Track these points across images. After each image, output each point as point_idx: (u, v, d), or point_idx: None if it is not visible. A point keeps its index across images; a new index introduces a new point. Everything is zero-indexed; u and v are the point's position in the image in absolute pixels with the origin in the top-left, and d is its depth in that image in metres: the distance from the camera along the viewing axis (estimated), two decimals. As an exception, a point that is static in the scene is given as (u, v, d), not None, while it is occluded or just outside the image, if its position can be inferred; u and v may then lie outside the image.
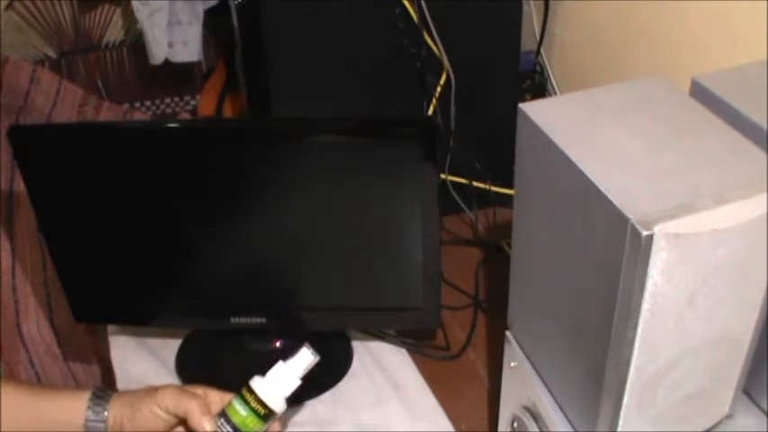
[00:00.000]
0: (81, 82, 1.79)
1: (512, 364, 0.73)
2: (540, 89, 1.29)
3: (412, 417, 0.95)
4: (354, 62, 1.10)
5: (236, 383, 1.00)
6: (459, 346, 1.03)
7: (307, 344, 0.79)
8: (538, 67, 1.28)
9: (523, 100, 1.00)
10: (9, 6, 1.69)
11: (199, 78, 1.82)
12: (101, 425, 0.78)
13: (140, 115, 1.86)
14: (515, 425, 0.74)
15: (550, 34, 1.26)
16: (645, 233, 0.49)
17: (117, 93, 1.84)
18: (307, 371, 0.79)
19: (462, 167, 1.19)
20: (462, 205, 1.21)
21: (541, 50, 1.27)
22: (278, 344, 1.03)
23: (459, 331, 1.05)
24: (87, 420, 0.78)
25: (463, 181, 1.20)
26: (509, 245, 0.91)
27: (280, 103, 1.10)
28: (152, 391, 0.79)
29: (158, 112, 1.90)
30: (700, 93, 0.63)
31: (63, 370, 1.42)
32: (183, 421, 0.79)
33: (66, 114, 1.70)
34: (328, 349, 1.04)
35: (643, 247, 0.49)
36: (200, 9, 1.49)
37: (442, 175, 1.16)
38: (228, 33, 1.19)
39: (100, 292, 0.97)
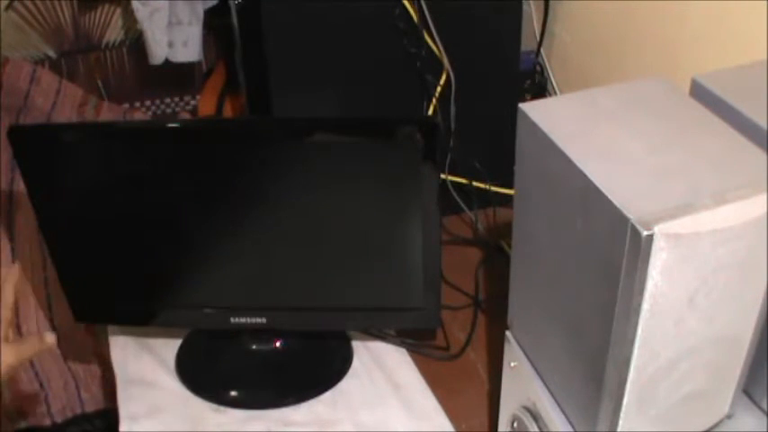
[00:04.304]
0: (81, 82, 1.79)
1: (512, 364, 0.73)
2: (540, 89, 1.29)
3: (412, 417, 0.95)
4: (354, 62, 1.10)
5: (237, 383, 1.00)
6: (459, 346, 1.03)
7: None
8: (538, 67, 1.28)
9: (523, 100, 1.00)
10: (9, 6, 1.69)
11: (199, 78, 1.82)
12: None
13: (140, 115, 1.86)
14: (515, 425, 0.74)
15: (550, 34, 1.26)
16: (645, 233, 0.49)
17: (117, 93, 1.84)
18: None
19: (462, 167, 1.19)
20: (462, 205, 1.20)
21: (541, 50, 1.27)
22: (278, 344, 1.03)
23: (459, 331, 1.05)
24: None
25: (463, 181, 1.19)
26: (509, 245, 0.91)
27: (280, 104, 1.10)
28: None
29: (158, 112, 1.90)
30: (700, 93, 0.63)
31: (63, 370, 1.42)
32: None
33: (66, 114, 1.70)
34: (328, 349, 1.04)
35: (643, 247, 0.49)
36: (200, 9, 1.49)
37: (442, 175, 1.16)
38: (228, 33, 1.19)
39: (100, 292, 0.97)
